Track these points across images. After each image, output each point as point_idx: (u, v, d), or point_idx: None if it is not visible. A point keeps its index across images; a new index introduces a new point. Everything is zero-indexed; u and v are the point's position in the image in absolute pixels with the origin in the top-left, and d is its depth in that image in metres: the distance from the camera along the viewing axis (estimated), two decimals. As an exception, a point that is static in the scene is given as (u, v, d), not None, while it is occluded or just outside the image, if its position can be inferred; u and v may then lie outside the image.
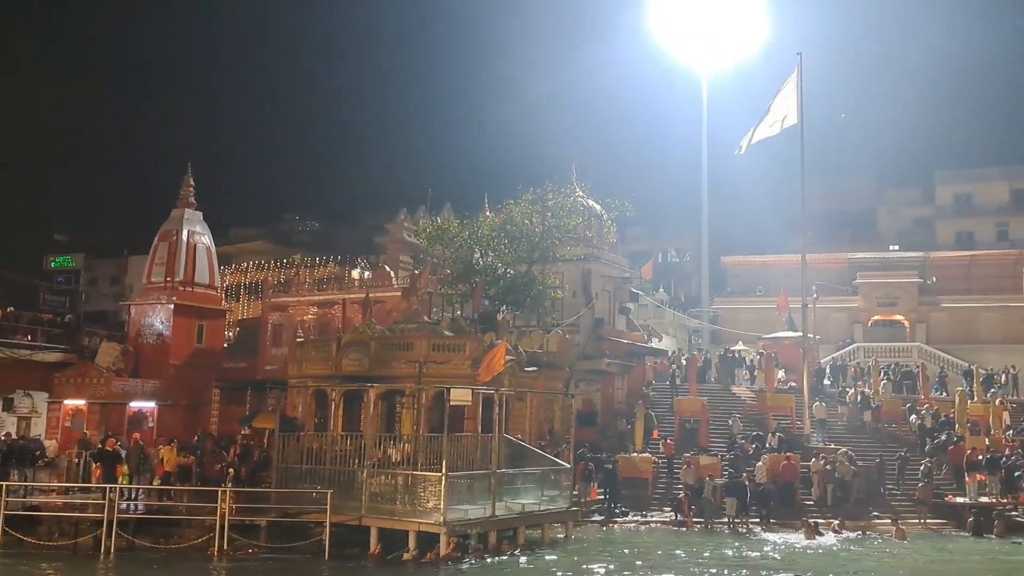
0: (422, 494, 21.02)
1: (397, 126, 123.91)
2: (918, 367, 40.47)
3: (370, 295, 34.00)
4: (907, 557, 23.28)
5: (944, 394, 38.32)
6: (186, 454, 26.68)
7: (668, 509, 28.02)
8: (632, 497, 28.87)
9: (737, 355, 41.49)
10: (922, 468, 29.23)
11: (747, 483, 27.52)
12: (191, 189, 41.03)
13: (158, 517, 22.46)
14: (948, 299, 50.47)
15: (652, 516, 28.03)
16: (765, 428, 33.02)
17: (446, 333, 26.21)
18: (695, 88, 58.30)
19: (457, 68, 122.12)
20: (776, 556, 22.84)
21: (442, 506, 20.40)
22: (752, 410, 35.53)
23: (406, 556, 20.50)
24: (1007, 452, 29.83)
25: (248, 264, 55.59)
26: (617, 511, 28.05)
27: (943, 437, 31.64)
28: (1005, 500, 27.81)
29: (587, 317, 36.94)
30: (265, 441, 28.59)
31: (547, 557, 21.87)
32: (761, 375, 38.04)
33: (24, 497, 24.04)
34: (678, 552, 22.81)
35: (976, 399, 34.43)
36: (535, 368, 27.33)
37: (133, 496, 24.33)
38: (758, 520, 27.07)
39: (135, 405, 36.22)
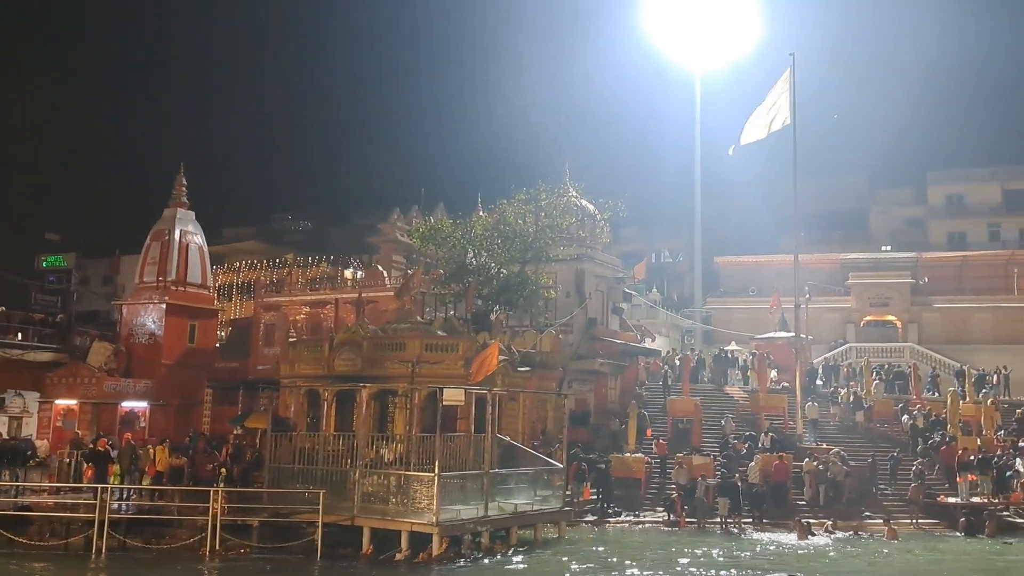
0: (415, 494, 20.98)
1: (390, 126, 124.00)
2: (910, 367, 40.52)
3: (363, 295, 33.90)
4: (899, 557, 23.34)
5: (936, 394, 38.39)
6: (178, 454, 26.63)
7: (661, 509, 28.03)
8: (625, 497, 28.88)
9: (730, 355, 41.56)
10: (914, 468, 29.28)
11: (740, 483, 27.55)
12: (183, 188, 40.99)
13: (150, 517, 22.37)
14: (940, 299, 50.62)
15: (645, 516, 28.04)
16: (758, 428, 33.08)
17: (439, 333, 26.16)
18: (688, 88, 58.46)
19: (450, 68, 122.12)
20: (768, 556, 22.88)
21: (435, 506, 20.38)
22: (745, 410, 35.59)
23: (399, 556, 20.47)
24: (998, 452, 29.90)
25: (240, 264, 55.46)
26: (610, 511, 28.06)
27: (935, 437, 31.74)
28: (996, 500, 27.86)
29: (580, 317, 36.97)
30: (257, 441, 28.54)
31: (540, 557, 21.86)
32: (754, 375, 38.15)
33: (15, 497, 23.97)
34: (670, 552, 22.81)
35: (968, 399, 34.54)
36: (528, 368, 27.29)
37: (125, 496, 24.26)
38: (750, 520, 27.11)
39: (127, 405, 36.19)
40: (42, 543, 21.38)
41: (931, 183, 62.18)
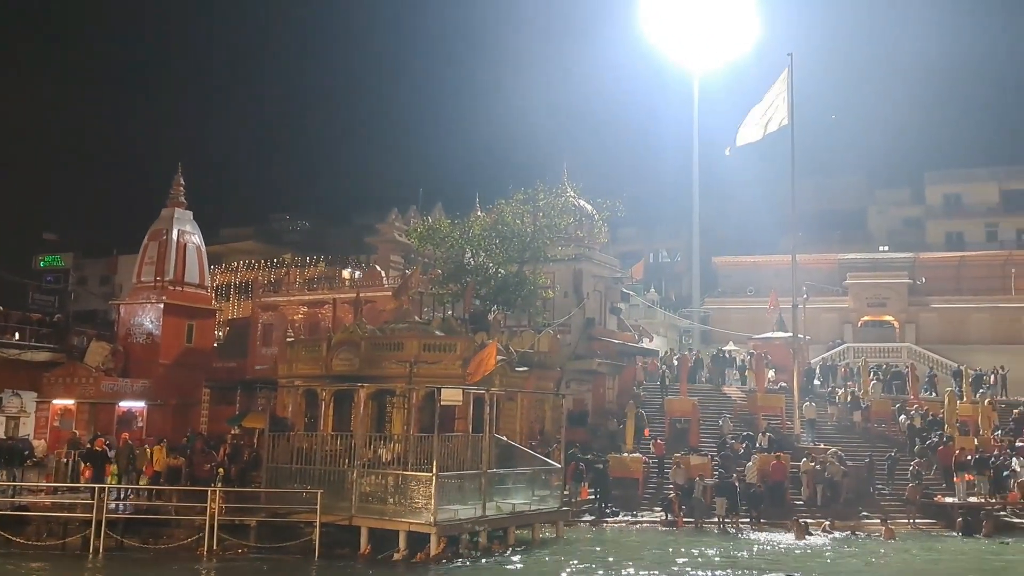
0: (412, 494, 20.96)
1: (389, 126, 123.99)
2: (907, 367, 40.59)
3: (361, 295, 33.91)
4: (896, 557, 23.35)
5: (933, 394, 38.44)
6: (176, 454, 26.61)
7: (658, 509, 28.03)
8: (622, 497, 28.89)
9: (728, 355, 41.58)
10: (911, 468, 29.32)
11: (737, 483, 27.56)
12: (181, 188, 40.94)
13: (147, 517, 22.35)
14: (937, 299, 50.67)
15: (642, 516, 28.05)
16: (755, 428, 33.09)
17: (437, 333, 26.17)
18: (687, 88, 58.56)
19: (449, 68, 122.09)
20: (765, 556, 22.89)
21: (432, 506, 20.37)
22: (742, 410, 35.62)
23: (396, 556, 20.46)
24: (995, 452, 29.92)
25: (238, 264, 55.49)
26: (607, 511, 28.06)
27: (932, 437, 31.76)
28: (993, 500, 27.91)
29: (578, 317, 36.97)
30: (255, 441, 28.56)
31: (538, 557, 21.86)
32: (751, 375, 38.14)
33: (12, 497, 23.97)
34: (668, 552, 22.82)
35: (965, 399, 34.56)
36: (526, 368, 27.31)
37: (122, 496, 24.23)
38: (748, 520, 27.12)
39: (124, 405, 36.13)
40: (39, 543, 21.35)
41: (929, 183, 62.25)
